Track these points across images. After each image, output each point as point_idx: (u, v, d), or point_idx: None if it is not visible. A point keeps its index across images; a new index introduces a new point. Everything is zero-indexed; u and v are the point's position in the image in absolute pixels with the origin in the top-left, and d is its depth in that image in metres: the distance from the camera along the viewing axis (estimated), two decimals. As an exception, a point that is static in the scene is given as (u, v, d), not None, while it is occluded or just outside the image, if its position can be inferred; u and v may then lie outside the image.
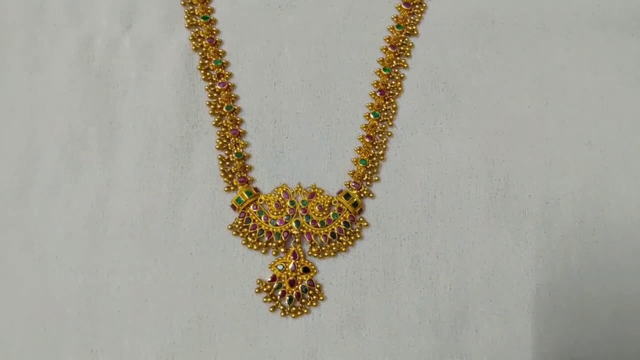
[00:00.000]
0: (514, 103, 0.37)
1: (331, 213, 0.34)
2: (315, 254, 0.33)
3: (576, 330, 0.33)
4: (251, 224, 0.33)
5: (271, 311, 0.32)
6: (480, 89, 0.37)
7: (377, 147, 0.35)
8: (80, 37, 0.37)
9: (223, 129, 0.35)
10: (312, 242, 0.33)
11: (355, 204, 0.34)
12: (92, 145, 0.35)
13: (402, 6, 0.38)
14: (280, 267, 0.33)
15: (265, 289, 0.32)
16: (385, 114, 0.36)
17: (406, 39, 0.38)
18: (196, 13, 0.37)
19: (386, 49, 0.37)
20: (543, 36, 0.38)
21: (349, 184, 0.35)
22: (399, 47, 0.37)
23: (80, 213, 0.34)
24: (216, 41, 0.37)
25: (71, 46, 0.37)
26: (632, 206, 0.35)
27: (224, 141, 0.35)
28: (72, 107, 0.36)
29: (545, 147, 0.36)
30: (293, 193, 0.34)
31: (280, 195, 0.34)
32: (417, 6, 0.38)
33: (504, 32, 0.38)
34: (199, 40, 0.37)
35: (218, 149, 0.35)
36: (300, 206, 0.34)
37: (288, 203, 0.34)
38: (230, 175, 0.34)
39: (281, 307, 0.32)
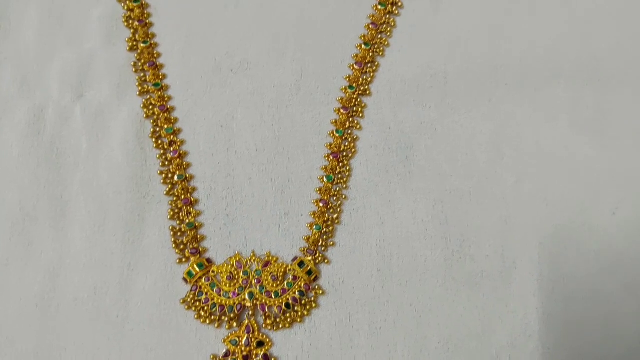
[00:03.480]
0: (469, 160, 0.37)
1: (285, 282, 0.33)
2: (269, 326, 0.33)
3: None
4: (203, 297, 0.33)
5: (226, 387, 0.32)
6: (433, 147, 0.37)
7: (331, 210, 0.35)
8: (31, 108, 0.37)
9: (175, 198, 0.35)
10: (267, 314, 0.33)
11: (309, 272, 0.34)
12: (43, 219, 0.35)
13: (354, 66, 0.38)
14: (233, 341, 0.32)
15: (219, 365, 0.32)
16: (340, 176, 0.36)
17: (359, 100, 0.37)
18: (147, 80, 0.37)
19: (339, 110, 0.37)
20: (496, 91, 0.38)
21: (304, 250, 0.34)
22: (351, 109, 0.37)
23: (31, 290, 0.33)
24: (168, 108, 0.37)
25: (22, 118, 0.37)
26: (591, 261, 0.35)
27: (176, 211, 0.35)
28: (23, 181, 0.35)
29: (501, 205, 0.36)
30: (246, 262, 0.34)
31: (233, 265, 0.33)
32: (369, 65, 0.38)
33: (457, 88, 0.38)
34: (151, 107, 0.37)
35: (170, 219, 0.35)
36: (253, 276, 0.33)
37: (241, 273, 0.33)
38: (182, 247, 0.34)
39: (236, 382, 0.32)
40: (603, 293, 0.34)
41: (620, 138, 0.37)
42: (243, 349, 0.32)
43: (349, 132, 0.37)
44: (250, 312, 0.33)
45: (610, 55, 0.39)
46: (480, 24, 0.39)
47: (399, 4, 0.39)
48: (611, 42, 0.39)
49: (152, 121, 0.37)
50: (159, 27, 0.39)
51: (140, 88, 0.37)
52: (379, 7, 0.39)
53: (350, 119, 0.37)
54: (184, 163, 0.36)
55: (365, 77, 0.38)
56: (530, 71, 0.38)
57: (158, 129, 0.36)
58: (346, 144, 0.37)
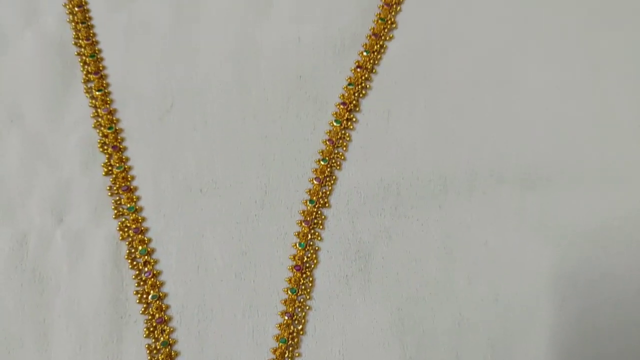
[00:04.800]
0: (423, 266, 0.39)
1: (255, 395, 0.36)
2: None
3: None
4: (178, 414, 0.35)
5: None
6: (389, 255, 0.40)
7: (296, 322, 0.38)
8: (14, 234, 0.40)
9: (150, 317, 0.38)
10: None
11: (277, 385, 0.36)
12: (28, 343, 0.37)
13: (314, 180, 0.41)
14: None
15: None
16: (303, 287, 0.39)
17: (319, 212, 0.41)
18: (122, 203, 0.40)
19: (301, 222, 0.40)
20: (446, 198, 0.41)
21: (272, 362, 0.37)
22: (312, 221, 0.40)
23: (17, 413, 0.36)
24: (142, 230, 0.40)
25: (5, 245, 0.39)
26: (541, 357, 0.37)
27: (151, 329, 0.37)
28: (8, 307, 0.38)
29: (454, 307, 0.38)
30: (218, 377, 0.36)
31: (205, 381, 0.36)
32: (327, 179, 0.41)
33: (410, 197, 0.41)
34: (126, 230, 0.40)
35: (145, 337, 0.37)
36: (225, 391, 0.36)
37: (213, 389, 0.36)
38: (157, 365, 0.36)
39: None
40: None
41: (563, 236, 0.40)
42: None
43: (311, 243, 0.40)
44: None
45: (551, 159, 0.42)
46: (429, 135, 0.42)
47: (354, 119, 0.43)
48: (552, 145, 0.42)
49: (127, 243, 0.39)
50: (132, 151, 0.42)
51: (115, 211, 0.40)
52: (335, 124, 0.43)
53: (312, 231, 0.40)
54: (158, 282, 0.38)
55: (324, 190, 0.41)
56: (477, 178, 0.42)
57: (133, 251, 0.39)
58: (308, 255, 0.39)
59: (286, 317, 0.38)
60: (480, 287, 0.39)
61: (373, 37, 0.45)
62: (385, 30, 0.45)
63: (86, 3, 0.46)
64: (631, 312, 0.39)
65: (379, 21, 0.45)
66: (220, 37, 0.45)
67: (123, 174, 0.41)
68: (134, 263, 0.39)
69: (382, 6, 0.46)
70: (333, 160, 0.42)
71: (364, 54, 0.44)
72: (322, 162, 0.42)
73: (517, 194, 0.41)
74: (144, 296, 0.38)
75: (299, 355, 0.37)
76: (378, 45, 0.44)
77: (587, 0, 0.46)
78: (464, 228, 0.40)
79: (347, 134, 0.43)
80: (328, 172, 0.41)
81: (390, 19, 0.45)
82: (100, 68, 0.44)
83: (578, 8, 0.46)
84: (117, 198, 0.40)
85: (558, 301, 0.39)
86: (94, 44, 0.44)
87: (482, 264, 0.40)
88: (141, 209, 0.40)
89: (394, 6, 0.46)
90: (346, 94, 0.43)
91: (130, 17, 0.46)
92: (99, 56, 0.44)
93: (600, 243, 0.40)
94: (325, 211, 0.41)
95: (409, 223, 0.40)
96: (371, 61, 0.44)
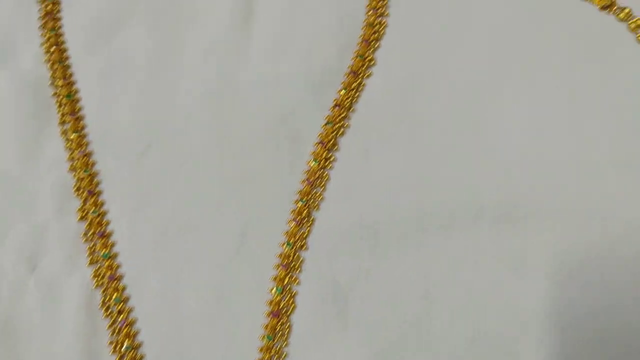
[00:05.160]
0: (402, 307, 0.39)
1: None
2: None
3: None
4: None
5: None
6: (368, 297, 0.39)
7: (273, 370, 0.37)
8: (-14, 284, 0.39)
9: (125, 367, 0.37)
10: None
11: None
12: (-1, 395, 0.36)
13: (292, 222, 0.41)
14: None
15: None
16: (280, 333, 0.38)
17: (297, 255, 0.40)
18: (97, 249, 0.40)
19: (278, 266, 0.40)
20: (424, 236, 0.40)
21: (248, 412, 0.36)
22: (289, 264, 0.40)
23: None
24: (116, 277, 0.39)
25: (-23, 295, 0.39)
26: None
27: (126, 380, 0.37)
28: (-20, 358, 0.37)
29: (433, 345, 0.38)
30: None
31: None
32: (305, 220, 0.41)
33: (388, 237, 0.40)
34: (100, 277, 0.39)
35: (120, 388, 0.37)
36: None
37: None
38: (131, 416, 0.36)
39: None
40: None
41: (543, 273, 0.40)
42: None
43: (288, 287, 0.39)
44: None
45: (530, 194, 0.42)
46: (408, 173, 0.42)
47: (332, 158, 0.43)
48: (530, 181, 0.42)
49: (101, 291, 0.39)
50: (109, 194, 0.42)
51: (90, 258, 0.39)
52: (313, 163, 0.42)
53: (289, 275, 0.39)
54: (132, 331, 0.38)
55: (302, 231, 0.41)
56: (454, 216, 0.41)
57: (107, 299, 0.38)
58: (286, 299, 0.39)
59: (263, 366, 0.37)
60: (460, 327, 0.38)
61: (351, 74, 0.44)
62: (364, 68, 0.45)
63: (63, 42, 0.46)
64: (614, 348, 0.38)
65: (358, 58, 0.45)
66: (198, 76, 0.45)
67: (98, 219, 0.40)
68: (108, 312, 0.38)
69: (361, 43, 0.45)
70: (311, 201, 0.41)
71: (342, 92, 0.44)
72: (300, 203, 0.41)
73: (496, 231, 0.41)
74: (118, 346, 0.37)
75: (277, 404, 0.37)
76: (356, 83, 0.44)
77: (564, 38, 0.46)
78: (444, 267, 0.40)
79: (326, 174, 0.42)
80: (306, 213, 0.41)
81: (369, 55, 0.45)
82: (77, 109, 0.43)
83: (556, 45, 0.45)
84: (92, 244, 0.40)
85: (539, 340, 0.38)
86: (71, 84, 0.44)
87: (462, 303, 0.39)
88: (116, 254, 0.40)
89: (373, 43, 0.45)
90: (324, 133, 0.43)
91: (108, 57, 0.45)
92: (75, 97, 0.44)
93: (581, 279, 0.39)
94: (303, 253, 0.40)
95: (388, 263, 0.40)
96: (349, 99, 0.44)
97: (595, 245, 0.40)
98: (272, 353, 0.37)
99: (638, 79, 0.45)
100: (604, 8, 0.48)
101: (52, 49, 0.45)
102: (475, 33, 0.46)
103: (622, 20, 0.47)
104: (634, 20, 0.47)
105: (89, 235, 0.40)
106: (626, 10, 0.47)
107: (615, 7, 0.48)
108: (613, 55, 0.46)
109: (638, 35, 0.46)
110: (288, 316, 0.39)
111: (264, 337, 0.38)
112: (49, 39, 0.45)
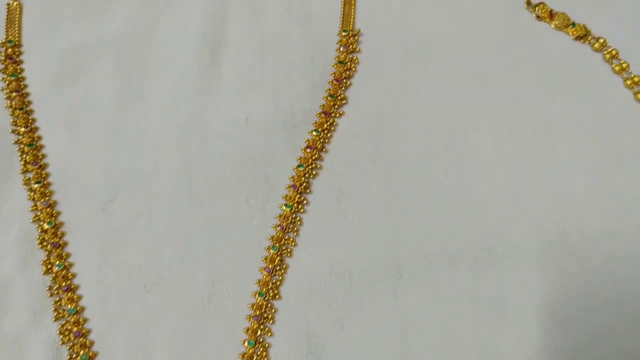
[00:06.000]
0: (378, 355, 0.38)
1: None
2: None
3: None
4: None
5: None
6: (343, 346, 0.38)
7: None
8: (-51, 342, 0.38)
9: None
10: None
11: None
12: None
13: (264, 271, 0.40)
14: None
15: None
16: (253, 388, 0.37)
17: (269, 304, 0.39)
18: (63, 304, 0.38)
19: (250, 317, 0.39)
20: (399, 283, 0.40)
21: None
22: (261, 315, 0.39)
23: None
24: (83, 332, 0.38)
25: (-61, 354, 0.37)
26: None
27: None
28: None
29: (410, 401, 0.37)
30: None
31: None
32: (277, 268, 0.40)
33: (362, 284, 0.39)
34: (67, 333, 0.38)
35: None
36: None
37: None
38: None
39: None
40: None
41: (521, 314, 0.39)
42: None
43: (261, 340, 0.38)
44: None
45: (506, 235, 0.41)
46: (381, 216, 0.41)
47: (304, 201, 0.42)
48: (506, 221, 0.41)
49: (68, 347, 0.38)
50: (74, 246, 0.40)
51: (55, 313, 0.38)
52: (285, 207, 0.41)
53: (262, 326, 0.38)
54: (100, 391, 0.37)
55: (274, 280, 0.40)
56: (430, 260, 0.40)
57: (74, 356, 0.37)
58: (258, 352, 0.38)
59: None
60: (437, 374, 0.38)
61: (323, 114, 0.43)
62: (336, 107, 0.44)
63: (25, 87, 0.44)
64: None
65: (329, 98, 0.44)
66: (166, 118, 0.44)
67: (63, 272, 0.39)
68: (76, 370, 0.37)
69: (332, 82, 0.44)
70: (283, 247, 0.40)
71: (314, 133, 0.43)
72: (272, 250, 0.40)
73: (474, 273, 0.40)
74: (86, 407, 0.36)
75: None
76: (328, 123, 0.43)
77: (539, 69, 0.45)
78: (419, 312, 0.39)
79: (298, 218, 0.41)
80: (278, 260, 0.40)
81: (341, 94, 0.44)
82: (40, 157, 0.42)
83: (531, 77, 0.45)
84: (57, 299, 0.39)
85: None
86: (33, 131, 0.43)
87: (439, 347, 0.38)
88: (83, 309, 0.39)
89: (344, 81, 0.44)
90: (296, 176, 0.42)
91: (72, 102, 0.44)
92: (38, 144, 0.43)
93: (559, 319, 0.39)
94: (275, 303, 0.39)
95: (363, 311, 0.39)
96: (321, 140, 0.43)
97: (573, 283, 0.40)
98: (245, 409, 0.37)
99: (614, 109, 0.44)
100: (578, 38, 0.47)
101: (13, 95, 0.43)
102: (449, 67, 0.46)
103: (596, 50, 0.47)
104: (609, 50, 0.46)
105: (54, 289, 0.39)
106: (601, 41, 0.47)
107: (590, 37, 0.47)
108: (588, 86, 0.45)
109: (613, 65, 0.46)
110: (261, 369, 0.38)
111: (236, 393, 0.37)
112: (9, 84, 0.43)
